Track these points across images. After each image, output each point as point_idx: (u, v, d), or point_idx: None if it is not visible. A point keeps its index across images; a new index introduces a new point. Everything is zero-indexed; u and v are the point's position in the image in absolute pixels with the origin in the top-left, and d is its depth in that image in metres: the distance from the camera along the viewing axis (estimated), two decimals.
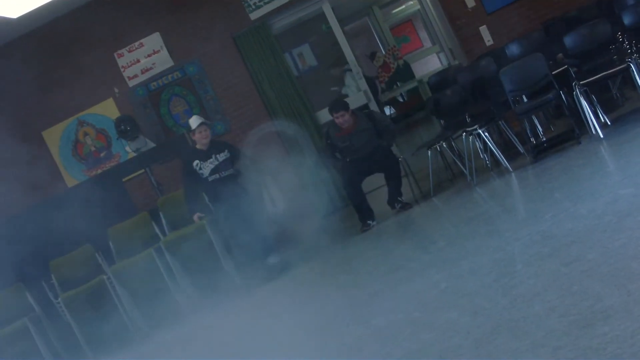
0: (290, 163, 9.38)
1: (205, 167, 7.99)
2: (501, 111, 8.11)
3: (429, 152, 8.16)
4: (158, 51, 10.10)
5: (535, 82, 7.65)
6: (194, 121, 8.13)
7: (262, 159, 8.19)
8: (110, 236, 8.57)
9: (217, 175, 7.99)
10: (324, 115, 9.83)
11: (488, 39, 9.60)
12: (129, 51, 10.11)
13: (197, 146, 8.14)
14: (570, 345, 3.34)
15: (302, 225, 8.50)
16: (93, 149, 10.36)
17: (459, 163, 8.44)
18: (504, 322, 3.92)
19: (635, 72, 7.08)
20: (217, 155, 8.03)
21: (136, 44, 10.11)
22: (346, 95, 11.02)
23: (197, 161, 8.03)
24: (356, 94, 10.35)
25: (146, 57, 10.12)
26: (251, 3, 9.92)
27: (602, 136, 7.01)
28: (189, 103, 10.22)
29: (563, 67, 7.72)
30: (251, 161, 8.13)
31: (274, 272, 7.75)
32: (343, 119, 8.08)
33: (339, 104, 8.22)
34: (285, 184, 8.37)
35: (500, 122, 8.17)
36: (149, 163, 9.36)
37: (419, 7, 14.66)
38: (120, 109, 10.13)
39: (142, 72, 10.15)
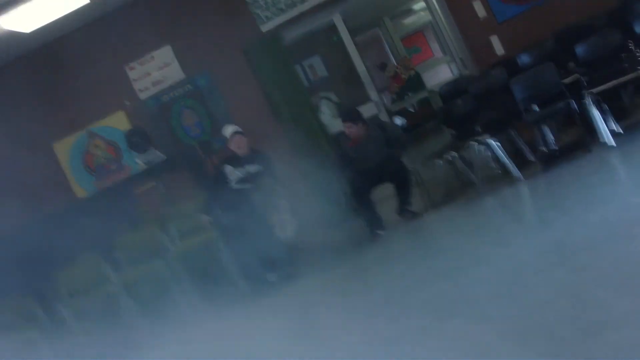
0: (300, 172, 9.36)
1: (234, 175, 7.95)
2: (512, 120, 8.07)
3: (440, 161, 8.14)
4: (169, 64, 10.14)
5: (546, 90, 7.62)
6: (228, 130, 8.09)
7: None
8: (117, 246, 8.57)
9: (238, 186, 7.94)
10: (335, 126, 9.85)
11: (499, 49, 9.57)
12: (140, 64, 10.16)
13: (237, 152, 8.09)
14: (580, 353, 3.30)
15: (312, 235, 8.48)
16: (103, 160, 10.39)
17: (469, 172, 8.41)
18: (514, 330, 3.89)
19: None
20: (249, 167, 7.98)
21: (147, 57, 10.15)
22: None
23: (229, 166, 7.99)
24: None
25: (157, 70, 10.15)
26: (262, 15, 9.93)
27: (613, 145, 6.97)
28: (199, 115, 10.23)
29: (574, 76, 7.69)
30: (276, 182, 8.07)
31: (272, 288, 7.71)
32: (349, 130, 8.08)
33: (347, 114, 8.22)
34: (296, 193, 8.35)
35: (511, 131, 8.14)
36: (160, 175, 9.38)
37: (430, 17, 14.67)
38: (131, 122, 10.16)
39: (153, 85, 10.18)
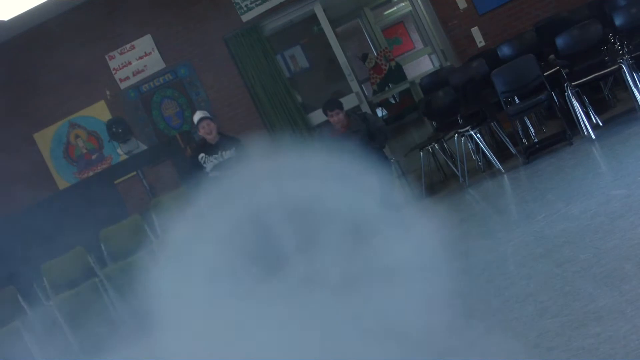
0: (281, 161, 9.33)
1: (209, 162, 7.86)
2: (493, 112, 8.11)
3: (421, 153, 8.16)
4: (150, 53, 10.08)
5: (527, 83, 7.66)
6: (196, 117, 8.00)
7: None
8: (102, 238, 8.54)
9: (216, 173, 7.89)
10: (316, 117, 9.83)
11: (480, 40, 9.61)
12: (121, 53, 10.09)
13: (207, 139, 7.99)
14: (563, 345, 3.34)
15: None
16: (84, 151, 10.33)
17: (451, 164, 8.44)
18: (497, 323, 3.92)
19: (626, 73, 7.09)
20: (223, 153, 7.88)
21: (128, 46, 10.09)
22: None
23: (202, 154, 7.90)
24: None
25: (138, 59, 10.10)
26: (243, 5, 9.90)
27: (593, 137, 7.03)
28: (180, 105, 10.19)
29: (555, 68, 7.73)
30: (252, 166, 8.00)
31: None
32: (338, 118, 8.04)
33: (333, 103, 8.19)
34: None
35: (492, 123, 8.17)
36: (141, 165, 9.34)
37: (410, 8, 14.64)
38: (112, 112, 10.10)
39: (134, 74, 10.13)
